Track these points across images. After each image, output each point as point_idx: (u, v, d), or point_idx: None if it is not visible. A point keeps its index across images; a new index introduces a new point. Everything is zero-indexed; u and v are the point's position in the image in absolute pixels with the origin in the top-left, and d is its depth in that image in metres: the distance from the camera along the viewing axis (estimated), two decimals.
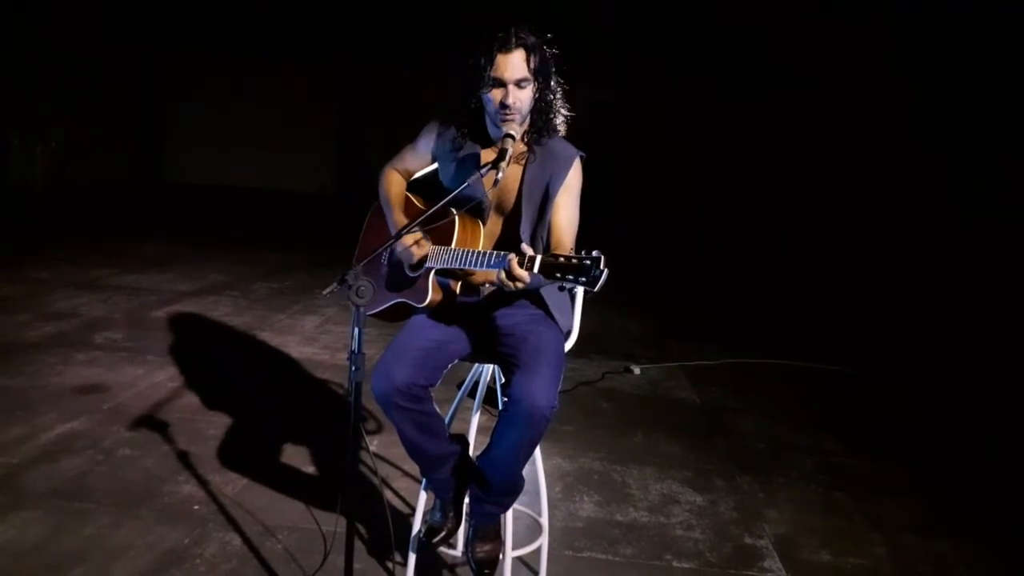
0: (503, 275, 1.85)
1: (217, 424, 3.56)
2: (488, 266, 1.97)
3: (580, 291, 2.45)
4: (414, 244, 2.18)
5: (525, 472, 2.22)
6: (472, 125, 2.27)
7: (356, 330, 1.89)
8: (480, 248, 2.19)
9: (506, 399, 2.06)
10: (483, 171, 2.07)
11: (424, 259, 2.19)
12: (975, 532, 3.09)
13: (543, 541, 2.49)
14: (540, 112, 2.22)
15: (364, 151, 14.03)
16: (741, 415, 4.27)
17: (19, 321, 4.92)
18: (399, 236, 2.08)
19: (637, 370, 4.87)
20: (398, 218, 2.32)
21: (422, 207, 2.35)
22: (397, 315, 2.35)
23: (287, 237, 9.46)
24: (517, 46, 2.11)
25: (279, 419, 3.72)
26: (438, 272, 2.20)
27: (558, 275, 1.77)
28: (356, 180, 13.34)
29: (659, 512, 3.07)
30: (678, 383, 4.75)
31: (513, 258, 1.82)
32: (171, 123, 14.64)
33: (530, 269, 1.80)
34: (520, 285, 1.84)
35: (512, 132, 2.11)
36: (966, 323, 7.04)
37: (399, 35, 13.24)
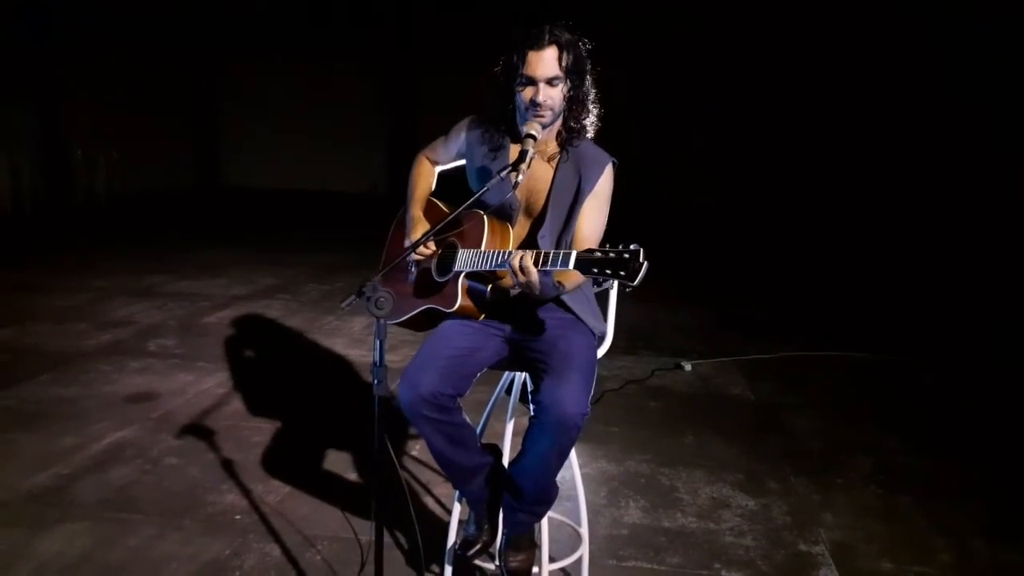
0: (514, 263, 1.88)
1: (263, 431, 3.58)
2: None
3: (614, 294, 2.37)
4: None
5: (564, 480, 2.15)
6: (506, 124, 2.22)
7: (378, 342, 1.84)
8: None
9: (535, 406, 1.99)
10: (502, 175, 2.00)
11: (451, 263, 2.14)
12: None
13: (583, 551, 2.42)
14: (573, 111, 2.17)
15: (414, 150, 14.10)
16: (797, 412, 4.11)
17: (77, 330, 5.06)
18: (418, 244, 2.03)
19: (688, 366, 4.74)
20: (415, 213, 2.34)
21: (446, 210, 2.31)
22: (426, 323, 2.30)
23: (338, 238, 9.55)
24: (550, 43, 2.07)
25: (324, 424, 3.72)
26: (468, 276, 2.15)
27: (595, 269, 1.73)
28: (407, 179, 13.44)
29: (708, 518, 2.96)
30: (731, 379, 4.60)
31: (522, 253, 1.87)
32: (225, 128, 14.95)
33: (565, 264, 1.78)
34: (522, 279, 1.87)
35: (533, 133, 2.05)
36: None
37: (445, 35, 13.23)
